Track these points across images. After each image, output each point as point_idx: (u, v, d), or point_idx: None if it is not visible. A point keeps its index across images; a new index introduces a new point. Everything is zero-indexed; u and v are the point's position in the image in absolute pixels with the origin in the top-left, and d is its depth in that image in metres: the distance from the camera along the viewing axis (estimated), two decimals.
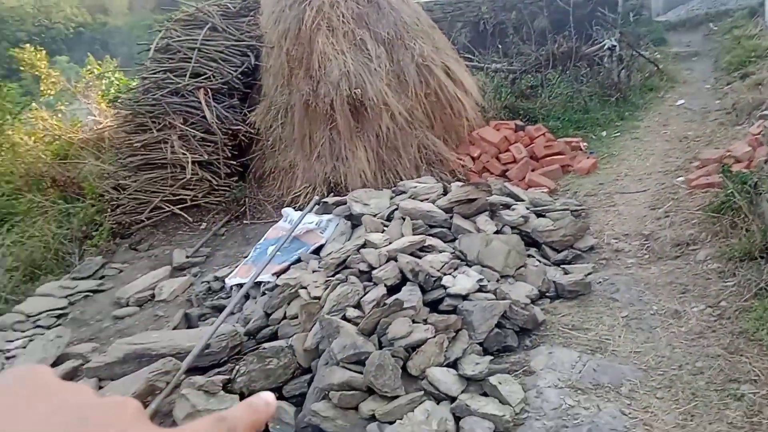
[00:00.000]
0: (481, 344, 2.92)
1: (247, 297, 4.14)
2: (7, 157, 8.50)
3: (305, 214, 4.54)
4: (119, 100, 7.79)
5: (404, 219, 3.90)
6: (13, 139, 8.63)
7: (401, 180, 5.38)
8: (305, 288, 3.50)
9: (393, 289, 3.17)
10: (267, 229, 5.10)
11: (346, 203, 4.49)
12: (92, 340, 4.42)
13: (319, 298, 3.34)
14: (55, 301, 5.15)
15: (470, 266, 3.52)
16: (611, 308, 3.33)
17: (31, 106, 9.82)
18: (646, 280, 3.55)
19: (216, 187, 6.45)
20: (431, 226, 3.90)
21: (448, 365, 2.71)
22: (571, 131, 6.96)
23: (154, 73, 6.96)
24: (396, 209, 4.16)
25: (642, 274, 3.64)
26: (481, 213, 4.06)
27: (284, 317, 3.49)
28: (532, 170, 5.95)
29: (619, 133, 6.82)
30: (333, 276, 3.51)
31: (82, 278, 5.61)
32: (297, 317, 3.33)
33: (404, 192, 4.55)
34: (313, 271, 3.75)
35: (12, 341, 4.52)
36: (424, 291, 3.13)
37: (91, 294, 5.31)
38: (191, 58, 6.84)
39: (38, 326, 4.79)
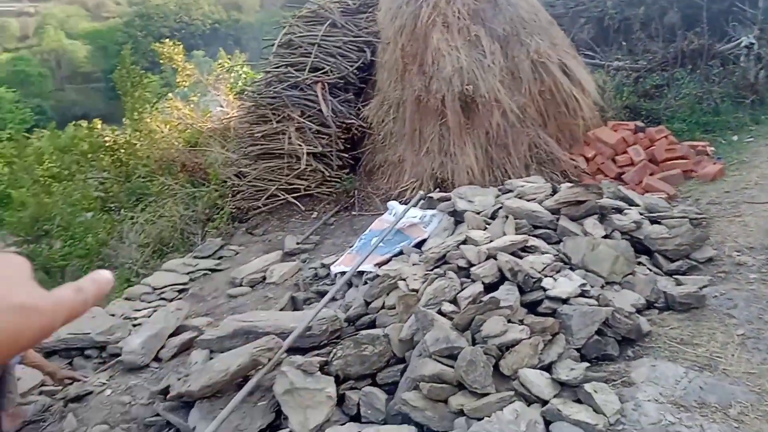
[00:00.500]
0: (578, 350, 2.84)
1: (349, 285, 4.28)
2: (145, 142, 9.30)
3: (409, 208, 4.61)
4: (244, 93, 8.28)
5: (507, 218, 3.86)
6: (151, 126, 9.42)
7: (509, 178, 5.30)
8: (404, 280, 3.56)
9: (490, 287, 3.16)
10: (373, 221, 5.23)
11: (450, 199, 4.51)
12: (207, 314, 4.77)
13: (416, 290, 3.39)
14: (177, 277, 5.59)
15: (573, 270, 3.42)
16: (726, 325, 3.11)
17: (167, 97, 10.67)
18: None
19: (328, 178, 6.69)
20: (535, 227, 3.82)
21: (541, 368, 2.66)
22: (697, 134, 6.51)
23: (277, 67, 7.32)
24: (500, 208, 4.11)
25: (765, 291, 3.36)
26: (589, 216, 3.93)
27: (383, 307, 3.57)
28: (651, 174, 5.64)
29: (752, 138, 6.29)
30: (432, 270, 3.54)
31: (203, 257, 6.05)
32: (395, 308, 3.40)
33: (511, 191, 4.49)
34: (413, 264, 3.80)
35: (139, 310, 4.97)
36: (522, 291, 3.09)
37: (210, 272, 5.71)
38: (311, 53, 7.12)
39: (162, 298, 5.23)
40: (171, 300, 5.17)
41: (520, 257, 3.37)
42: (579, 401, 2.51)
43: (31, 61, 44.70)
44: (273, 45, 7.69)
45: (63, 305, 0.50)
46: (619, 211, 4.07)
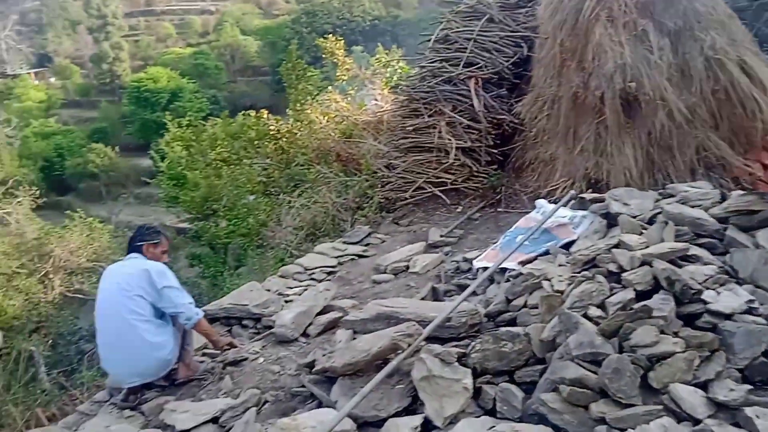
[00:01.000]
0: (741, 371, 2.61)
1: (491, 281, 4.27)
2: (305, 132, 9.90)
3: (559, 207, 4.48)
4: (398, 87, 8.50)
5: (667, 223, 3.61)
6: (311, 117, 9.99)
7: (671, 183, 4.95)
8: (549, 280, 3.48)
9: (642, 295, 2.98)
10: (519, 218, 5.15)
11: (604, 201, 4.31)
12: (352, 297, 4.99)
13: (561, 292, 3.30)
14: (327, 260, 5.91)
15: (740, 284, 3.12)
16: None
17: (327, 90, 11.24)
18: None
19: (475, 174, 6.68)
20: (698, 235, 3.54)
21: (696, 385, 2.48)
22: None
23: (432, 62, 7.42)
24: (659, 212, 3.86)
25: None
26: (763, 228, 3.56)
27: (524, 305, 3.52)
28: None
29: None
30: (579, 272, 3.42)
31: (351, 243, 6.33)
32: (537, 307, 3.34)
33: (672, 195, 4.19)
34: (560, 265, 3.70)
35: (291, 288, 5.33)
36: (678, 302, 2.88)
37: (356, 258, 5.98)
38: (466, 48, 7.13)
39: (312, 279, 5.56)
40: (320, 281, 5.48)
41: (679, 266, 3.15)
42: (737, 425, 2.31)
43: (210, 55, 49.16)
44: (429, 40, 7.80)
45: None
46: None
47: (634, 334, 2.66)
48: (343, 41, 11.92)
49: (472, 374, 3.00)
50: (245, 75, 51.15)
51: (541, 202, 4.95)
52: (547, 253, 4.18)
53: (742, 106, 5.45)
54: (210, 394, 3.78)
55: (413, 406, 3.03)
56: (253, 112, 12.44)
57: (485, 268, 4.38)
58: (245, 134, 11.73)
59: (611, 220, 4.13)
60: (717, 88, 5.44)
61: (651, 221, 3.86)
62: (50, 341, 10.59)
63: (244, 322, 4.82)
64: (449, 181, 6.79)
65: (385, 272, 5.38)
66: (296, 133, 10.21)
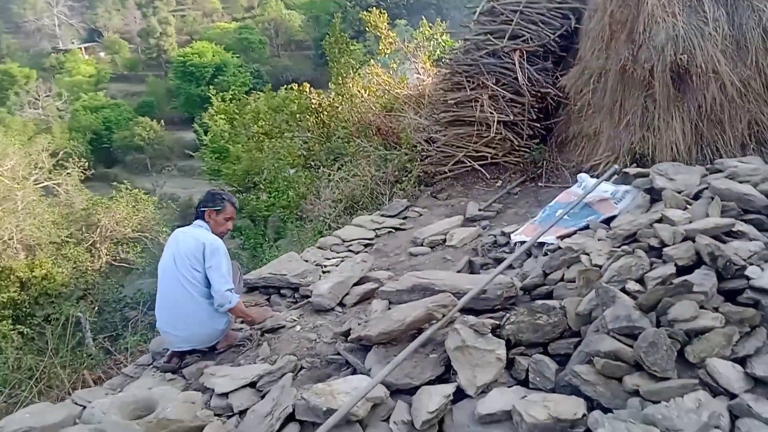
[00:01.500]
0: None
1: (528, 255, 4.23)
2: (346, 106, 9.91)
3: (601, 182, 4.39)
4: (441, 60, 8.40)
5: (713, 199, 3.50)
6: (352, 90, 9.99)
7: (720, 158, 4.79)
8: (587, 255, 3.43)
9: (683, 271, 2.91)
10: (560, 193, 5.06)
11: (647, 175, 4.19)
12: (389, 269, 5.02)
13: (600, 266, 3.25)
14: (365, 232, 5.95)
15: None
16: None
17: (369, 63, 11.20)
18: None
19: (516, 148, 6.59)
20: (746, 211, 3.42)
21: (734, 360, 2.42)
22: None
23: (476, 35, 7.30)
24: (706, 188, 3.75)
25: None
26: None
27: (561, 279, 3.49)
28: None
29: None
30: (619, 247, 3.36)
31: (389, 216, 6.35)
32: (574, 281, 3.30)
33: (720, 171, 4.05)
34: (599, 240, 3.63)
35: (329, 259, 5.39)
36: (720, 278, 2.81)
37: (394, 231, 6.00)
38: (512, 21, 6.98)
39: (350, 250, 5.61)
40: (357, 252, 5.53)
41: (724, 242, 3.06)
42: None
43: (254, 29, 49.43)
44: (474, 13, 7.66)
45: None
46: None
47: (673, 308, 2.61)
48: (386, 15, 11.82)
49: (505, 345, 3.00)
50: (288, 49, 51.36)
51: (582, 176, 4.85)
52: (587, 227, 4.11)
53: None
54: (248, 360, 3.88)
55: (446, 375, 3.06)
56: (295, 86, 12.50)
57: (523, 242, 4.34)
58: (287, 108, 11.81)
59: (655, 195, 4.02)
60: None
61: (697, 197, 3.75)
62: (96, 308, 11.01)
63: (282, 291, 4.91)
64: (490, 155, 6.72)
65: (421, 245, 5.39)
66: (337, 107, 10.23)
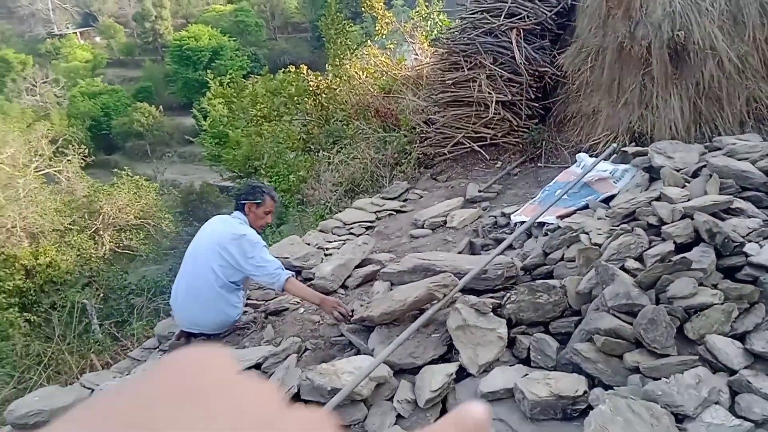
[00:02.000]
0: None
1: (528, 235, 4.26)
2: (344, 88, 9.86)
3: (599, 161, 4.41)
4: (438, 40, 8.35)
5: (711, 176, 3.52)
6: (350, 72, 9.93)
7: (719, 135, 4.79)
8: (587, 234, 3.46)
9: (682, 248, 2.95)
10: (559, 173, 5.08)
11: (646, 154, 4.22)
12: (390, 251, 5.05)
13: (599, 245, 3.28)
14: (365, 215, 5.98)
15: None
16: None
17: (366, 44, 11.12)
18: None
19: (515, 128, 6.58)
20: (744, 188, 3.45)
21: (733, 336, 2.47)
22: None
23: (472, 14, 7.25)
24: (704, 166, 3.77)
25: None
26: None
27: (561, 259, 3.52)
28: None
29: None
30: (618, 226, 3.39)
31: (389, 198, 6.37)
32: (574, 261, 3.34)
33: (719, 148, 4.07)
34: (598, 219, 3.67)
35: (330, 242, 5.42)
36: (719, 255, 2.84)
37: (394, 213, 6.02)
38: None
39: (351, 233, 5.64)
40: (359, 235, 5.56)
41: (722, 219, 3.09)
42: None
43: (250, 12, 48.90)
44: None
45: None
46: None
47: (672, 286, 2.65)
48: None
49: (506, 325, 3.04)
50: (285, 32, 50.90)
51: (581, 156, 4.87)
52: (586, 207, 4.14)
53: None
54: (253, 342, 3.93)
55: (448, 355, 3.10)
56: (292, 68, 12.42)
57: (523, 223, 4.37)
58: (285, 90, 11.74)
59: (654, 173, 4.05)
60: None
61: (695, 174, 3.78)
62: (101, 295, 11.07)
63: None
64: (489, 135, 6.71)
65: (422, 227, 5.42)
66: (335, 89, 10.19)
